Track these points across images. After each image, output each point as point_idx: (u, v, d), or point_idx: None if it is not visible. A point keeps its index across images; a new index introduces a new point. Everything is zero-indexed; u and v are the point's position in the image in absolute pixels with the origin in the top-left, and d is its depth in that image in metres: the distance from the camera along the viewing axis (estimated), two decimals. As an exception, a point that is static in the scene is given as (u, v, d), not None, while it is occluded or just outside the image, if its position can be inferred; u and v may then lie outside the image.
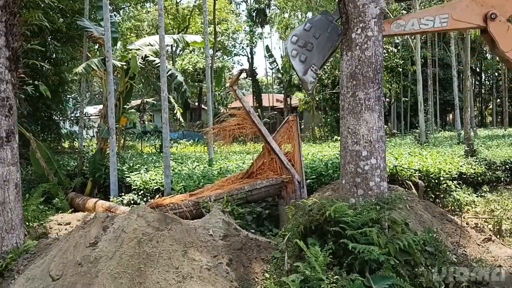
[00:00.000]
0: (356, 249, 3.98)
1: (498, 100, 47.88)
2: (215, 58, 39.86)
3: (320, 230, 4.50)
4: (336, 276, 3.86)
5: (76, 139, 16.83)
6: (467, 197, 9.25)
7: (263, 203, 7.76)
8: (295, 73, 38.58)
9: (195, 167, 11.59)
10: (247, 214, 6.91)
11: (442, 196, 9.17)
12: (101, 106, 16.00)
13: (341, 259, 4.18)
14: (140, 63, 12.70)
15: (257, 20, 49.83)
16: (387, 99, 37.08)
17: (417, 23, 5.81)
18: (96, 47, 16.92)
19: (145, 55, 13.16)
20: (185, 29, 38.74)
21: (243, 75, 7.56)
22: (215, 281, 4.09)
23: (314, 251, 4.03)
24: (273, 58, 40.86)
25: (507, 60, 5.80)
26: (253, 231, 6.29)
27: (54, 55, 15.02)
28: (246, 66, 50.23)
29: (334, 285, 3.74)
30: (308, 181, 8.25)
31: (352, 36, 5.19)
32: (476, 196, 9.73)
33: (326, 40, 6.40)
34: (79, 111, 14.96)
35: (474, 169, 10.74)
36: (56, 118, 17.23)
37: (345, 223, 4.27)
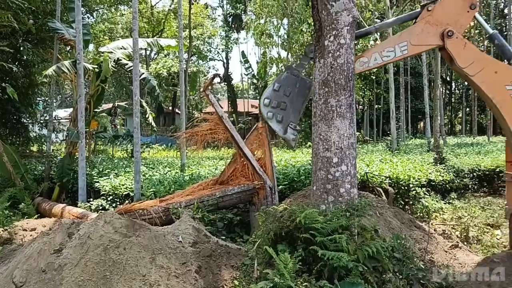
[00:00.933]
0: (325, 256, 3.98)
1: (468, 109, 49.13)
2: (190, 62, 39.64)
3: (290, 237, 4.49)
4: (305, 283, 3.86)
5: (45, 143, 16.44)
6: (435, 204, 9.43)
7: (234, 209, 7.72)
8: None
9: (166, 173, 11.46)
10: (218, 220, 6.85)
11: (411, 203, 9.32)
12: (71, 110, 15.68)
13: (310, 266, 4.18)
14: (112, 66, 12.51)
15: (233, 26, 49.91)
16: (361, 106, 37.66)
17: (379, 57, 6.01)
18: (68, 49, 16.57)
19: (118, 58, 12.98)
20: (159, 33, 38.42)
21: (217, 79, 7.54)
22: (183, 289, 4.04)
23: (283, 258, 4.01)
24: (248, 63, 41.05)
25: (465, 75, 5.98)
26: (223, 237, 6.23)
27: (24, 57, 14.68)
28: (221, 71, 50.20)
29: (303, 292, 3.74)
30: (280, 187, 8.25)
31: (325, 43, 5.22)
32: (444, 203, 9.93)
33: (298, 96, 6.63)
34: (48, 114, 14.62)
35: (443, 176, 10.97)
36: (25, 121, 16.82)
37: (315, 229, 4.27)
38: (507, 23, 40.02)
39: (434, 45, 6.17)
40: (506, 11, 41.22)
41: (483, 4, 44.18)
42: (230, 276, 4.50)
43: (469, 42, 6.09)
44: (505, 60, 6.08)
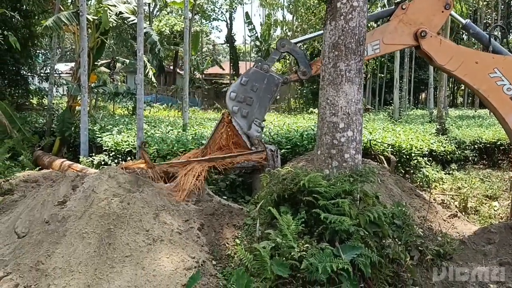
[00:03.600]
0: (327, 219, 4.00)
1: (470, 81, 48.68)
2: (193, 21, 38.88)
3: (293, 199, 4.51)
4: (307, 245, 3.89)
5: (45, 96, 16.30)
6: (436, 174, 9.48)
7: (236, 170, 7.72)
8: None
9: (168, 131, 11.42)
10: (220, 181, 6.87)
11: (412, 171, 9.37)
12: (72, 64, 15.46)
13: (312, 229, 4.21)
14: (114, 19, 12.25)
15: (238, -15, 48.65)
16: (363, 74, 37.29)
17: None
18: (70, 0, 16.17)
19: (120, 11, 12.68)
20: (163, -11, 37.48)
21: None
22: (185, 245, 4.08)
23: (286, 219, 4.03)
24: (252, 25, 40.31)
25: (448, 71, 5.86)
26: (225, 198, 6.27)
27: (24, 6, 14.34)
28: (224, 31, 49.26)
29: (304, 253, 3.77)
30: (283, 150, 8.25)
31: (337, 5, 5.07)
32: (444, 174, 9.99)
33: (264, 92, 6.51)
34: (49, 67, 14.40)
35: (444, 147, 10.98)
36: (24, 73, 16.61)
37: (318, 193, 4.28)
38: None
39: (407, 45, 6.08)
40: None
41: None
42: (232, 234, 4.55)
43: (444, 38, 5.99)
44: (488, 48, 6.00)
